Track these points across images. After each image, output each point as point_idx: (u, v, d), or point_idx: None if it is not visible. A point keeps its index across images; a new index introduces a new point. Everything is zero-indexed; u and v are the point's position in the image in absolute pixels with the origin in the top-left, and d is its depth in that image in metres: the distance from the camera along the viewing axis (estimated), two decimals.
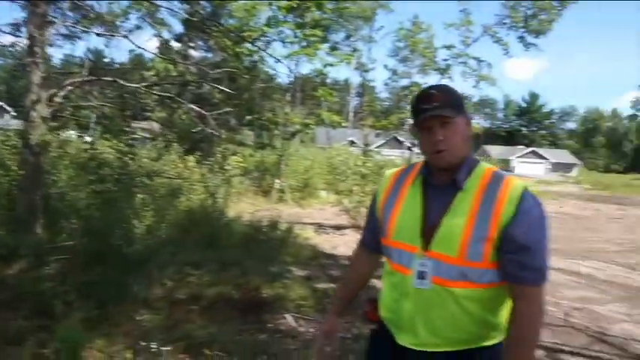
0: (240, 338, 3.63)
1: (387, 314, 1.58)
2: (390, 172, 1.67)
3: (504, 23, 25.08)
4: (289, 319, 4.16)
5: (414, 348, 1.49)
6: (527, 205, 1.38)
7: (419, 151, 1.57)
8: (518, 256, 1.37)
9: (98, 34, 6.30)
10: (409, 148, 29.96)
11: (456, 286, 1.41)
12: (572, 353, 4.12)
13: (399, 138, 36.97)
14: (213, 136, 8.67)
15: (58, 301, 3.19)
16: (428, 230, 1.44)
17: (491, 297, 1.44)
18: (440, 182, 1.48)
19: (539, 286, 1.40)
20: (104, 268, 4.05)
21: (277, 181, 14.66)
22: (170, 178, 6.92)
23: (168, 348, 3.17)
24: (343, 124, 24.63)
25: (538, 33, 24.59)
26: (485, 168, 1.49)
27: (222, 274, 4.97)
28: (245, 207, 10.67)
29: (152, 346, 2.99)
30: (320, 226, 9.63)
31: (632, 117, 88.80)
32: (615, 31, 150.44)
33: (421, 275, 1.44)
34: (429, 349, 1.47)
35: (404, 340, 1.51)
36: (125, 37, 5.97)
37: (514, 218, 1.36)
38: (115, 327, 3.33)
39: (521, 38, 25.28)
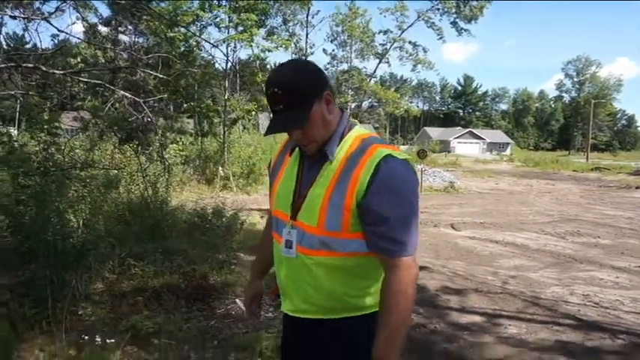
0: (188, 326, 3.56)
1: (278, 281, 1.59)
2: (281, 141, 1.66)
3: (437, 9, 25.80)
4: (239, 303, 4.12)
5: (291, 314, 1.52)
6: (386, 173, 1.31)
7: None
8: (378, 227, 1.33)
9: (13, 17, 5.79)
10: None
11: (319, 254, 1.40)
12: (509, 317, 4.38)
13: None
14: (150, 125, 8.35)
15: None
16: (298, 200, 1.44)
17: (359, 265, 1.41)
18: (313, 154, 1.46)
19: (405, 258, 1.34)
20: (38, 265, 3.82)
21: (221, 168, 14.40)
22: (105, 168, 6.60)
23: (113, 340, 3.06)
24: None
25: (470, 18, 25.50)
26: (354, 136, 1.43)
27: (166, 264, 4.83)
28: (189, 196, 10.42)
29: (96, 339, 2.87)
30: (268, 212, 9.58)
31: (558, 98, 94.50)
32: (542, 17, 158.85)
33: (288, 244, 1.45)
34: (303, 316, 1.49)
35: (284, 307, 1.55)
36: (45, 19, 5.55)
37: (370, 187, 1.31)
38: (55, 324, 3.16)
39: (454, 23, 26.13)
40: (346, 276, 1.42)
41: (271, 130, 1.37)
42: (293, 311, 1.51)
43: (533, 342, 3.82)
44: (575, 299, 4.91)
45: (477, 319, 4.31)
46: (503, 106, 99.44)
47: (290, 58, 1.62)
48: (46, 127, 4.59)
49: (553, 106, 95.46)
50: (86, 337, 2.89)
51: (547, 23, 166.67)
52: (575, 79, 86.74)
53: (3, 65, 5.08)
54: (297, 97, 1.33)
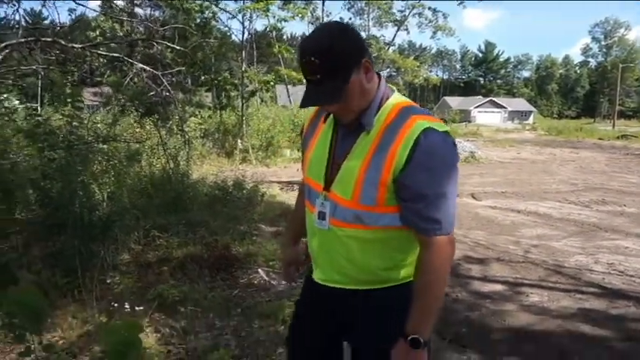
0: (212, 295, 3.65)
1: (309, 249, 1.59)
2: (314, 108, 1.58)
3: None
4: (262, 273, 4.19)
5: (322, 283, 1.51)
6: (425, 148, 1.25)
7: None
8: (415, 204, 1.29)
9: None
10: None
11: (352, 227, 1.38)
12: (531, 285, 4.36)
13: None
14: (169, 98, 8.38)
15: (24, 272, 3.09)
16: (331, 171, 1.40)
17: (392, 238, 1.39)
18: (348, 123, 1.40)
19: (441, 237, 1.31)
20: (67, 237, 3.94)
21: (240, 141, 14.45)
22: (127, 142, 6.69)
23: (142, 308, 3.16)
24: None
25: None
26: (392, 105, 1.36)
27: (190, 236, 4.93)
28: (209, 169, 10.53)
29: (125, 306, 2.96)
30: (288, 184, 9.64)
31: (583, 63, 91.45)
32: None
33: (321, 215, 1.42)
34: (332, 285, 1.48)
35: (315, 275, 1.54)
36: None
37: (408, 163, 1.26)
38: (86, 293, 3.27)
39: None
40: (379, 249, 1.40)
41: (307, 102, 1.31)
42: (324, 280, 1.51)
43: (556, 310, 3.81)
44: (599, 268, 4.86)
45: (499, 287, 4.31)
46: (526, 74, 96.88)
47: (325, 22, 1.56)
48: (69, 100, 4.66)
49: (578, 72, 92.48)
50: (115, 305, 2.99)
51: None
52: (603, 43, 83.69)
53: (23, 40, 5.11)
54: (336, 66, 1.25)
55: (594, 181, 11.37)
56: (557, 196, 9.12)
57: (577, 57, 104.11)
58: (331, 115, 1.45)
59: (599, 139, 29.92)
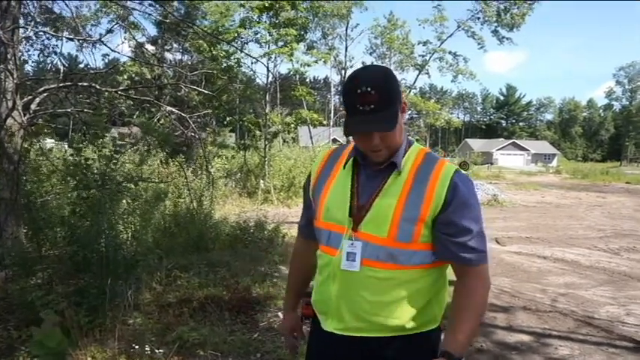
0: (232, 338, 3.61)
1: (316, 298, 1.53)
2: (323, 152, 1.62)
3: (478, 18, 25.41)
4: (282, 316, 4.14)
5: (339, 333, 1.44)
6: (461, 188, 1.36)
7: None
8: (459, 238, 1.35)
9: (70, 39, 6.14)
10: None
11: (384, 267, 1.37)
12: (559, 337, 4.20)
13: None
14: (195, 139, 8.62)
15: (48, 310, 3.12)
16: (357, 211, 1.40)
17: (421, 280, 1.40)
18: (374, 164, 1.43)
19: (486, 266, 1.42)
20: (92, 275, 4.00)
21: (262, 181, 14.60)
22: (155, 182, 6.84)
23: (162, 350, 3.14)
24: (325, 123, 24.69)
25: (511, 26, 24.92)
26: (418, 149, 1.47)
27: (210, 276, 4.94)
28: (231, 209, 10.61)
29: (146, 349, 2.95)
30: None
31: (608, 106, 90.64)
32: (591, 22, 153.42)
33: (350, 256, 1.40)
34: (353, 334, 1.43)
35: (329, 326, 1.47)
36: (99, 40, 5.85)
37: (452, 202, 1.34)
38: (107, 332, 3.28)
39: (495, 32, 25.60)
40: (409, 291, 1.39)
41: (358, 128, 1.35)
42: (342, 330, 1.44)
43: None
44: (632, 320, 4.66)
45: (526, 338, 4.16)
46: (549, 116, 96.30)
47: (372, 64, 1.61)
48: (107, 142, 4.86)
49: (602, 114, 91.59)
50: (136, 347, 2.98)
51: (597, 28, 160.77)
52: (627, 87, 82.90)
53: (62, 85, 5.37)
54: (389, 99, 1.33)
55: (623, 227, 11.06)
56: (585, 243, 8.87)
57: (600, 100, 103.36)
58: (351, 160, 1.47)
59: (627, 182, 29.24)
